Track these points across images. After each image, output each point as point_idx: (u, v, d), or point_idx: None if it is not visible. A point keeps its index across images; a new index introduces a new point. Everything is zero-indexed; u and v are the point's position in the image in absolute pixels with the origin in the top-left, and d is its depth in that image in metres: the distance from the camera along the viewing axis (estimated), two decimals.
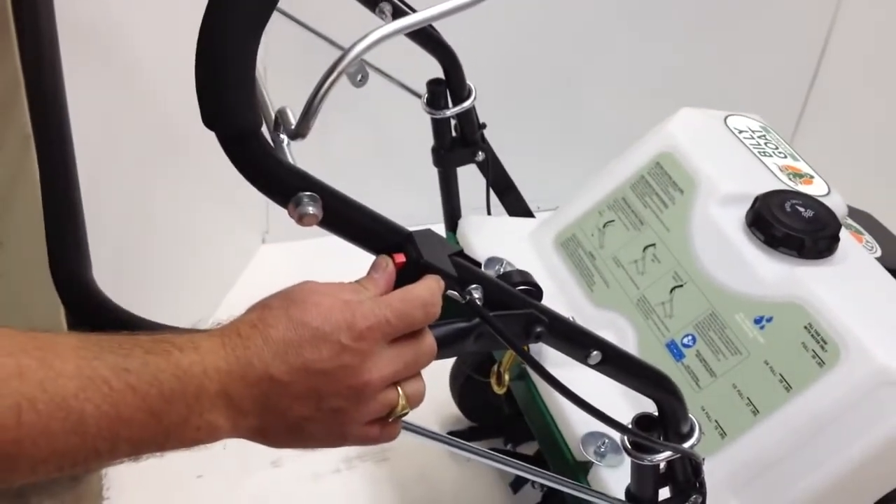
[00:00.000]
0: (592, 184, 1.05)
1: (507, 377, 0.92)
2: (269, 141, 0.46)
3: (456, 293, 0.53)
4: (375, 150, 1.60)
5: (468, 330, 0.54)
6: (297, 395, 0.46)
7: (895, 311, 0.86)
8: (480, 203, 1.08)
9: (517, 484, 1.15)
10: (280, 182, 0.46)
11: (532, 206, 1.16)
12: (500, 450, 1.13)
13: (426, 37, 0.91)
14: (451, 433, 1.23)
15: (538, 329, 0.57)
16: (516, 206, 1.11)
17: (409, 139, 1.19)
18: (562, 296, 0.99)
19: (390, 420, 0.49)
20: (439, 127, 0.98)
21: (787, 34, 1.75)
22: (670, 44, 1.69)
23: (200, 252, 1.36)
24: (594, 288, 0.98)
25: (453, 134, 1.01)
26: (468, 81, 0.98)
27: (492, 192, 1.08)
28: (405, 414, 0.49)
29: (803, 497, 0.80)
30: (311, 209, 0.46)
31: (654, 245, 0.96)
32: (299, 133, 0.48)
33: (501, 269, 0.99)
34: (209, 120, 0.43)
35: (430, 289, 0.50)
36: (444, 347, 0.53)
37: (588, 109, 1.70)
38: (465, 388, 1.21)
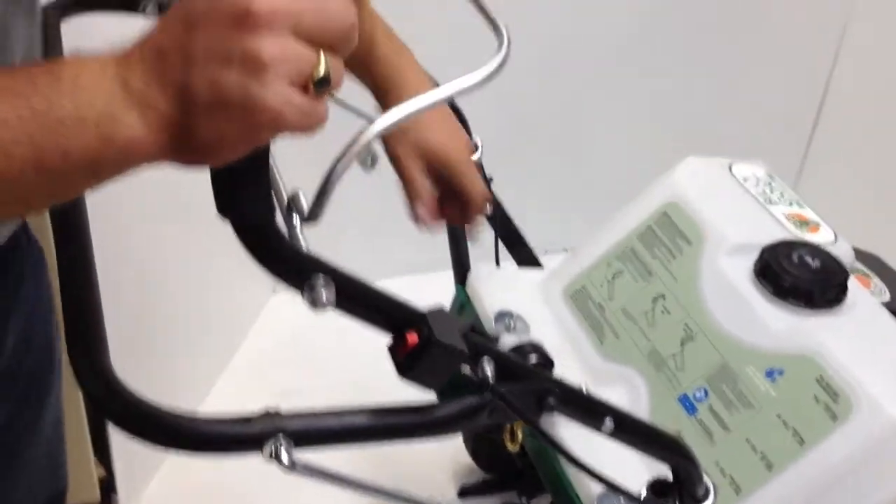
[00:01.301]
0: (600, 234, 1.05)
1: (520, 434, 0.91)
2: (281, 226, 0.47)
3: (468, 369, 0.53)
4: (384, 200, 1.60)
5: (482, 405, 0.55)
6: (189, 52, 0.41)
7: None
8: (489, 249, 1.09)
9: None
10: (293, 268, 0.46)
11: (539, 250, 1.16)
12: None
13: None
14: (463, 487, 1.24)
15: (551, 401, 0.57)
16: (525, 256, 1.11)
17: None
18: (572, 349, 0.99)
19: (313, 87, 0.42)
20: None
21: (790, 77, 1.77)
22: (673, 89, 1.71)
23: (211, 308, 1.37)
24: (604, 340, 0.98)
25: None
26: (474, 135, 0.98)
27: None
28: (327, 86, 0.43)
29: None
30: (324, 294, 0.47)
31: (663, 296, 0.96)
32: (312, 217, 0.48)
33: (512, 323, 0.99)
34: (223, 210, 0.44)
35: None
36: (459, 424, 0.54)
37: (594, 153, 1.72)
38: (479, 440, 1.21)
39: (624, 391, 0.94)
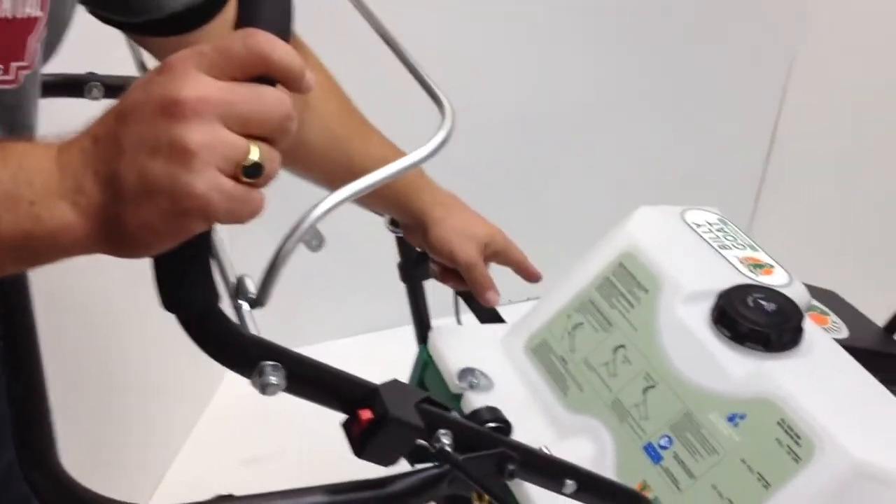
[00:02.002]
0: (558, 287, 1.06)
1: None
2: (226, 313, 0.47)
3: (425, 442, 0.53)
4: (341, 256, 1.61)
5: (440, 476, 0.55)
6: (119, 140, 0.42)
7: (863, 399, 0.87)
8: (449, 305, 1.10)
9: None
10: (241, 354, 0.47)
11: (503, 300, 1.17)
12: None
13: None
14: None
15: (511, 467, 0.57)
16: (485, 311, 1.11)
17: (374, 242, 1.20)
18: (536, 403, 0.99)
19: (244, 175, 0.43)
20: (403, 244, 1.00)
21: (739, 122, 1.81)
22: (630, 140, 1.74)
23: (174, 372, 1.35)
24: (568, 393, 0.98)
25: (418, 249, 1.02)
26: None
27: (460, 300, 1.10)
28: (259, 174, 0.43)
29: None
30: (273, 379, 0.47)
31: (623, 346, 0.97)
32: (259, 302, 0.48)
33: (476, 381, 0.99)
34: (168, 305, 0.44)
35: (246, 32, 0.44)
36: (419, 497, 0.54)
37: (554, 203, 1.74)
38: (451, 500, 1.20)
39: (589, 443, 0.94)
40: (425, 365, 1.07)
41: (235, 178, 0.42)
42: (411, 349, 1.10)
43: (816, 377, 0.88)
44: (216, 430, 1.47)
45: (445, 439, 0.54)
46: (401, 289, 1.09)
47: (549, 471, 0.60)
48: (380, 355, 1.11)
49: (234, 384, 1.62)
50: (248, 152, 0.42)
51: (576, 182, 1.75)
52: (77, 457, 0.55)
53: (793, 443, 0.82)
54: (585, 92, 1.69)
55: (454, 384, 0.99)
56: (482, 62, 1.58)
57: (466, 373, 1.00)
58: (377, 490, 0.54)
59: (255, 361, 0.46)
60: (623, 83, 1.72)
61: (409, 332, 1.12)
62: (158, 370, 1.34)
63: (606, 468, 0.91)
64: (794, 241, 1.83)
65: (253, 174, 0.42)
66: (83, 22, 0.70)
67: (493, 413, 0.62)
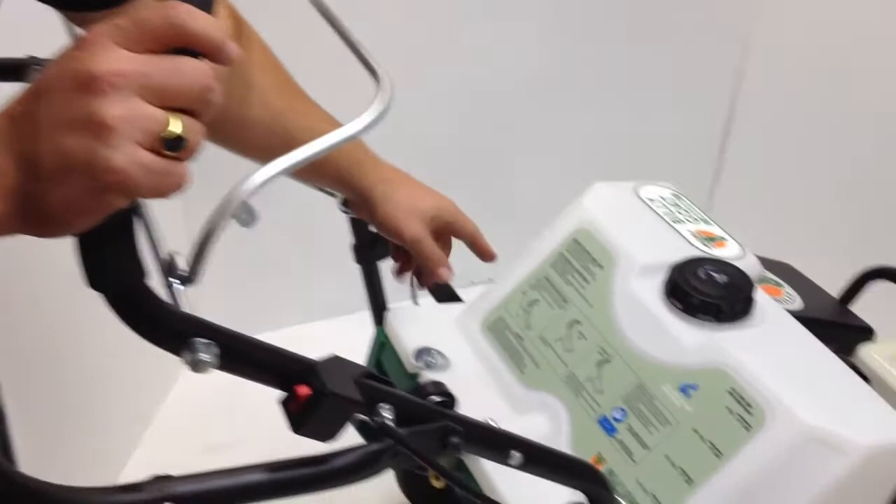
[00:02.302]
0: (515, 265, 1.06)
1: None
2: (155, 290, 0.47)
3: (365, 417, 0.53)
4: (303, 240, 1.60)
5: (381, 452, 0.54)
6: (36, 118, 0.41)
7: (813, 367, 0.88)
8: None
9: None
10: (171, 332, 0.46)
11: (465, 281, 1.17)
12: None
13: None
14: None
15: (454, 440, 0.57)
16: (443, 291, 1.11)
17: (336, 227, 1.20)
18: (493, 380, 1.00)
19: (165, 148, 0.42)
20: (357, 225, 0.99)
21: (696, 96, 1.81)
22: (587, 117, 1.74)
23: (132, 362, 1.34)
24: (524, 369, 0.99)
25: (371, 230, 1.02)
26: None
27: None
28: (181, 146, 0.42)
29: None
30: (205, 356, 0.46)
31: (578, 322, 0.97)
32: (190, 279, 0.48)
33: (432, 361, 0.99)
34: (94, 284, 0.43)
35: (165, 3, 0.43)
36: (360, 473, 0.54)
37: (512, 183, 1.74)
38: (410, 476, 1.20)
39: (545, 418, 0.94)
40: (382, 346, 1.07)
41: (156, 152, 0.42)
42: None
43: (767, 346, 0.89)
44: (177, 419, 1.46)
45: (386, 414, 0.54)
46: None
47: (495, 443, 0.61)
48: (343, 339, 1.10)
49: (193, 375, 1.61)
50: (167, 125, 0.42)
51: (532, 161, 1.75)
52: (34, 449, 0.54)
53: (744, 411, 0.83)
54: (541, 69, 1.69)
55: (410, 364, 0.99)
56: (433, 40, 1.58)
57: (423, 352, 1.00)
58: (318, 467, 0.53)
59: (186, 338, 0.46)
60: (579, 59, 1.72)
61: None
62: (117, 359, 1.32)
63: (562, 443, 0.92)
64: (753, 215, 1.85)
65: (174, 147, 0.42)
66: (21, 5, 0.69)
67: (438, 387, 0.62)
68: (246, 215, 0.48)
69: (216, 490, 0.51)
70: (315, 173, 0.94)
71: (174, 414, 1.47)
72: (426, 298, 1.13)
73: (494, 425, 0.63)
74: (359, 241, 1.01)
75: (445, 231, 1.05)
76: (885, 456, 0.82)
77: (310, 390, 0.50)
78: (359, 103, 0.57)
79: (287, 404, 0.51)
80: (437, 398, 0.60)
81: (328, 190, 0.98)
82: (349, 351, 1.09)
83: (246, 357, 0.49)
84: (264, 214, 1.64)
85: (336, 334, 1.42)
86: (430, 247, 0.99)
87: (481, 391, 0.98)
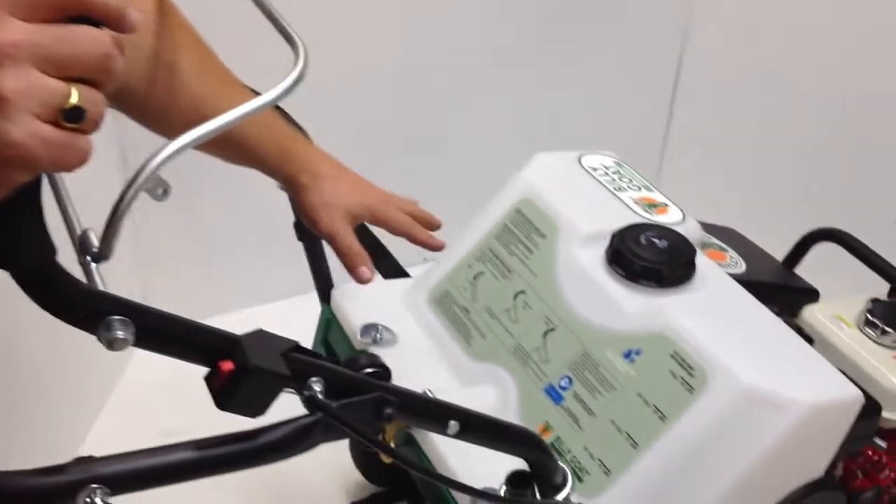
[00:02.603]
0: (459, 238, 1.06)
1: (392, 445, 0.91)
2: (66, 268, 0.45)
3: (293, 391, 0.52)
4: (251, 222, 1.59)
5: (312, 425, 0.54)
6: None
7: (754, 328, 0.89)
8: None
9: None
10: (85, 310, 0.45)
11: (419, 258, 1.16)
12: None
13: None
14: None
15: (388, 410, 0.57)
16: (390, 268, 1.11)
17: (285, 206, 1.19)
18: (441, 354, 0.99)
19: (64, 120, 0.41)
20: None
21: (640, 67, 1.82)
22: (532, 90, 1.74)
23: (82, 347, 1.32)
24: (471, 342, 0.99)
25: None
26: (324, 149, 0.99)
27: None
28: (81, 118, 0.41)
29: None
30: (120, 333, 0.45)
31: (523, 292, 0.97)
32: (102, 255, 0.47)
33: (379, 336, 0.99)
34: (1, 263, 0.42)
35: None
36: (291, 447, 0.53)
37: (460, 159, 1.73)
38: (366, 455, 1.20)
39: (493, 389, 0.94)
40: (328, 324, 1.06)
41: (56, 124, 0.41)
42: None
43: (708, 309, 0.89)
44: (130, 405, 1.44)
45: (317, 386, 0.53)
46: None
47: (430, 412, 0.60)
48: (297, 320, 1.09)
49: (146, 358, 1.59)
50: (67, 96, 0.40)
51: (480, 137, 1.74)
52: None
53: (686, 374, 0.83)
54: (486, 44, 1.68)
55: (357, 340, 0.99)
56: (375, 17, 1.56)
57: (369, 328, 1.00)
58: (247, 442, 0.53)
59: (101, 316, 0.45)
60: (523, 33, 1.71)
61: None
62: (68, 346, 1.30)
63: (510, 413, 0.92)
64: (701, 183, 1.86)
65: (74, 118, 0.41)
66: None
67: (371, 359, 0.61)
68: (158, 188, 0.47)
69: (142, 470, 0.50)
70: (244, 158, 0.92)
71: (126, 400, 1.45)
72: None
73: (431, 395, 0.63)
74: (300, 219, 0.99)
75: (379, 225, 1.02)
76: (826, 413, 0.83)
77: (233, 365, 0.50)
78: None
79: (211, 380, 0.50)
80: (370, 370, 0.59)
81: (262, 171, 0.97)
82: (303, 331, 1.09)
83: (165, 334, 0.48)
84: (211, 197, 1.63)
85: (289, 316, 1.41)
86: (347, 243, 0.95)
87: (429, 365, 0.98)
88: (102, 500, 0.47)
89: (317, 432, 0.54)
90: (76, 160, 0.42)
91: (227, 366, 0.50)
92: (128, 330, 0.46)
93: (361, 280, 0.95)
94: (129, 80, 0.77)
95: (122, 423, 1.40)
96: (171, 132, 0.87)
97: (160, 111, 0.81)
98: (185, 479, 0.51)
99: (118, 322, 0.46)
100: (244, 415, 0.51)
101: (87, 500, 0.47)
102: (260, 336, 0.52)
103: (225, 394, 0.49)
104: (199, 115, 0.85)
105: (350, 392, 0.56)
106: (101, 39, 0.42)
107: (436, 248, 1.03)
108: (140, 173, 0.46)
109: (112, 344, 0.45)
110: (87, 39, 0.41)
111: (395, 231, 1.01)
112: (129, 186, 0.46)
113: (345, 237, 0.95)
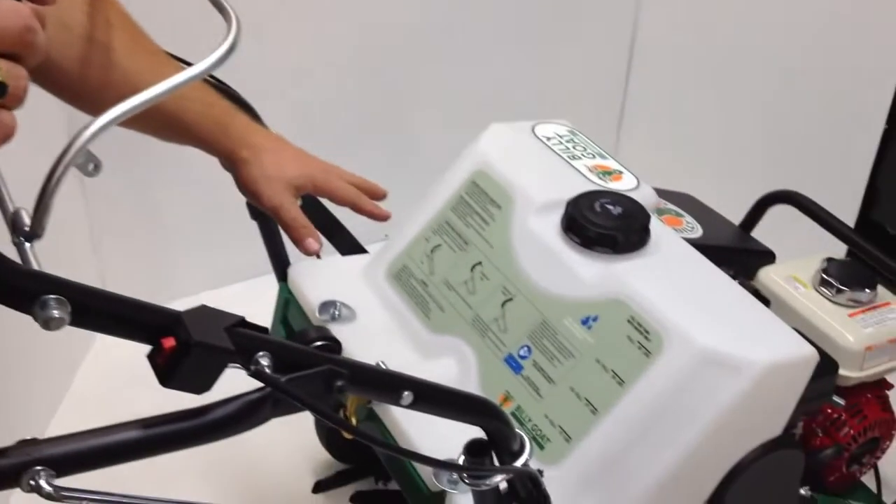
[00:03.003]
0: (416, 212, 1.05)
1: (354, 421, 0.91)
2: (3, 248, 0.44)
3: (239, 366, 0.51)
4: (206, 203, 1.57)
5: (261, 400, 0.53)
6: None
7: (708, 291, 0.89)
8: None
9: None
10: (18, 290, 0.44)
11: (378, 236, 1.16)
12: None
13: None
14: (318, 482, 1.22)
15: (339, 383, 0.56)
16: (346, 244, 1.10)
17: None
18: (400, 328, 0.99)
19: None
20: None
21: (595, 38, 1.81)
22: (487, 63, 1.73)
23: (34, 353, 1.31)
24: (430, 315, 0.98)
25: None
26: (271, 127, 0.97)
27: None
28: (3, 93, 0.40)
29: (651, 485, 0.82)
30: (56, 312, 0.44)
31: (480, 263, 0.97)
32: (35, 234, 0.46)
33: (337, 313, 0.98)
34: None
35: None
36: (240, 423, 0.53)
37: (417, 133, 1.72)
38: (331, 432, 1.20)
39: (453, 361, 0.94)
40: (287, 302, 1.05)
41: None
42: None
43: (663, 274, 0.90)
44: (92, 391, 1.43)
45: (264, 361, 0.53)
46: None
47: (383, 383, 0.60)
48: (257, 302, 1.08)
49: (106, 343, 1.57)
50: None
51: (434, 110, 1.74)
52: None
53: (643, 338, 0.84)
54: (439, 17, 1.67)
55: (316, 318, 0.98)
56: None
57: (328, 305, 0.99)
58: (195, 419, 0.52)
59: (36, 296, 0.44)
60: (477, 7, 1.70)
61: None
62: (27, 334, 1.29)
63: (471, 384, 0.92)
64: (658, 150, 1.87)
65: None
66: None
67: (320, 332, 0.61)
68: (89, 164, 0.46)
69: (87, 450, 0.49)
70: (182, 136, 0.90)
71: (88, 386, 1.43)
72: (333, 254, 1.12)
73: (383, 367, 0.62)
74: (243, 194, 0.98)
75: (323, 196, 1.00)
76: (782, 372, 0.84)
77: (175, 342, 0.49)
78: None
79: (153, 358, 0.49)
80: (320, 343, 0.59)
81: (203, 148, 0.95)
82: (264, 313, 1.09)
83: (102, 312, 0.47)
84: (164, 181, 1.61)
85: (250, 297, 1.40)
86: (292, 215, 0.93)
87: (388, 339, 0.98)
88: (47, 483, 0.46)
89: (266, 407, 0.54)
90: (3, 133, 0.41)
91: (169, 342, 0.49)
92: (63, 309, 0.45)
93: (308, 252, 0.93)
94: (61, 60, 0.75)
95: (84, 411, 1.38)
96: (93, 109, 0.86)
97: (93, 91, 0.79)
98: (132, 459, 0.50)
99: (53, 301, 0.45)
100: (189, 391, 0.50)
101: (32, 482, 0.46)
102: (203, 312, 0.51)
103: (167, 371, 0.49)
104: (133, 93, 0.84)
105: (299, 366, 0.55)
106: (21, 12, 0.41)
107: (382, 217, 1.02)
108: (69, 149, 0.45)
109: (48, 323, 0.45)
110: (6, 12, 0.40)
111: (339, 201, 0.99)
112: (58, 163, 0.45)
113: (289, 209, 0.93)
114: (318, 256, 1.04)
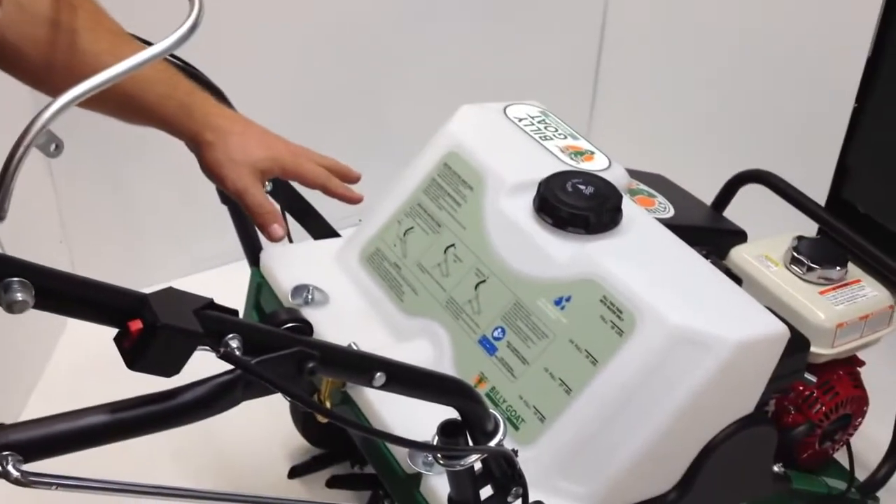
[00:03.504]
0: (388, 194, 1.05)
1: (328, 404, 0.91)
2: None
3: (207, 348, 0.51)
4: (179, 189, 1.55)
5: (232, 383, 0.53)
6: None
7: (681, 271, 0.90)
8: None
9: (374, 502, 1.14)
10: None
11: (353, 220, 1.15)
12: None
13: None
14: (293, 467, 1.22)
15: (310, 364, 0.56)
16: (319, 228, 1.10)
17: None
18: (374, 312, 0.99)
19: None
20: None
21: (566, 19, 1.81)
22: (458, 43, 1.72)
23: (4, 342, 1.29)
24: (404, 298, 0.98)
25: None
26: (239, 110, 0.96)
27: (292, 219, 1.07)
28: None
29: (626, 463, 0.82)
30: (19, 295, 0.44)
31: (453, 245, 0.97)
32: None
33: (310, 296, 0.98)
34: None
35: None
36: (211, 406, 0.52)
37: (388, 115, 1.71)
38: (306, 417, 1.19)
39: (428, 344, 0.94)
40: (259, 287, 1.05)
41: None
42: None
43: (635, 254, 0.90)
44: (65, 376, 1.41)
45: (233, 343, 0.52)
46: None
47: (354, 365, 0.60)
48: (232, 288, 1.07)
49: (79, 327, 1.56)
50: None
51: (406, 92, 1.73)
52: None
53: (616, 318, 0.84)
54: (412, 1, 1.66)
55: (288, 302, 0.98)
56: None
57: (300, 290, 0.98)
58: (165, 403, 0.52)
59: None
60: None
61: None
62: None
63: (445, 367, 0.92)
64: (631, 131, 1.87)
65: None
66: None
67: (290, 314, 0.60)
68: (51, 145, 0.45)
69: (55, 435, 0.49)
70: (146, 117, 0.88)
71: (62, 371, 1.42)
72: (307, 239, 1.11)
73: (355, 348, 0.62)
74: (207, 177, 0.97)
75: (292, 179, 0.98)
76: (754, 350, 0.85)
77: (142, 325, 0.48)
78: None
79: (120, 341, 0.49)
80: (290, 324, 0.59)
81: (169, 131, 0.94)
82: (237, 299, 1.08)
83: (67, 295, 0.47)
84: (135, 167, 1.58)
85: (222, 284, 1.39)
86: (257, 200, 0.90)
87: (362, 323, 0.97)
88: (15, 468, 0.45)
89: (237, 390, 0.53)
90: None
91: (136, 325, 0.48)
92: (27, 292, 0.44)
93: (273, 238, 0.91)
94: (20, 42, 0.74)
95: (57, 397, 1.37)
96: (54, 92, 0.84)
97: (55, 74, 0.78)
98: (101, 443, 0.50)
99: (17, 284, 0.44)
100: (157, 374, 0.50)
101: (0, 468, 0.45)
102: (170, 294, 0.51)
103: (134, 354, 0.48)
104: (89, 72, 0.82)
105: (269, 348, 0.55)
106: None
107: (353, 200, 0.99)
108: (29, 130, 0.44)
109: (11, 306, 0.44)
110: None
111: (309, 184, 0.97)
112: (18, 144, 0.44)
113: (255, 194, 0.90)
114: (290, 240, 1.03)
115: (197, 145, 0.90)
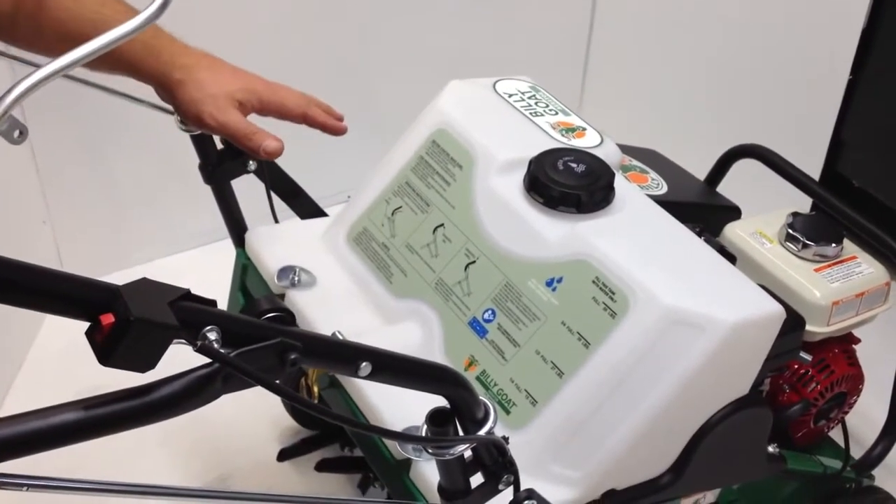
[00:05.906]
0: (375, 173, 1.02)
1: (316, 389, 0.89)
2: None
3: (184, 341, 0.49)
4: (162, 166, 1.53)
5: (211, 376, 0.51)
6: None
7: (674, 250, 0.88)
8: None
9: (364, 485, 1.13)
10: None
11: (342, 197, 1.13)
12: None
13: None
14: (282, 450, 1.21)
15: (293, 356, 0.54)
16: (305, 207, 1.07)
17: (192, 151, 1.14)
18: (362, 293, 0.97)
19: None
20: (200, 142, 0.94)
21: None
22: (448, 18, 1.69)
23: None
24: (392, 279, 0.96)
25: (219, 146, 0.96)
26: None
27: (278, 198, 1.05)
28: None
29: (619, 447, 0.81)
30: None
31: (442, 225, 0.95)
32: None
33: (297, 279, 0.96)
34: None
35: None
36: (189, 401, 0.50)
37: (376, 91, 1.68)
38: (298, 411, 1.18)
39: (417, 326, 0.92)
40: (245, 268, 1.02)
41: None
42: None
43: (628, 233, 0.88)
44: (47, 365, 1.39)
45: (212, 335, 0.50)
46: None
47: (338, 355, 0.58)
48: (214, 268, 1.05)
49: (56, 322, 1.53)
50: None
51: (395, 67, 1.70)
52: None
53: (608, 299, 0.82)
54: None
55: (275, 284, 0.96)
56: None
57: (287, 271, 0.96)
58: (140, 398, 0.50)
59: None
60: None
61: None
62: None
63: (435, 349, 0.90)
64: (623, 106, 1.85)
65: None
66: None
67: (271, 302, 0.58)
68: (14, 132, 0.42)
69: (26, 433, 0.47)
70: (112, 65, 0.84)
71: (40, 367, 1.40)
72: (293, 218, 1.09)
73: (340, 337, 0.60)
74: (205, 160, 0.95)
75: (266, 111, 0.92)
76: (749, 330, 0.83)
77: (114, 318, 0.46)
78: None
79: (92, 335, 0.47)
80: (272, 314, 0.57)
81: (163, 107, 0.91)
82: (222, 280, 1.06)
83: (35, 288, 0.45)
84: (116, 146, 1.55)
85: (207, 263, 1.37)
86: (242, 126, 0.86)
87: (349, 305, 0.95)
88: None
89: (216, 383, 0.52)
90: None
91: (108, 319, 0.46)
92: None
93: (272, 153, 0.86)
94: None
95: (38, 386, 1.35)
96: (42, 46, 0.81)
97: (22, 23, 0.75)
98: (73, 442, 0.48)
99: None
100: (131, 370, 0.48)
101: None
102: (144, 285, 0.49)
103: (107, 349, 0.46)
104: (72, 26, 0.79)
105: (250, 339, 0.53)
106: None
107: (337, 130, 0.95)
108: None
109: None
110: None
111: (289, 112, 0.92)
112: None
113: (237, 121, 0.86)
114: (276, 220, 1.01)
115: (167, 87, 0.86)
